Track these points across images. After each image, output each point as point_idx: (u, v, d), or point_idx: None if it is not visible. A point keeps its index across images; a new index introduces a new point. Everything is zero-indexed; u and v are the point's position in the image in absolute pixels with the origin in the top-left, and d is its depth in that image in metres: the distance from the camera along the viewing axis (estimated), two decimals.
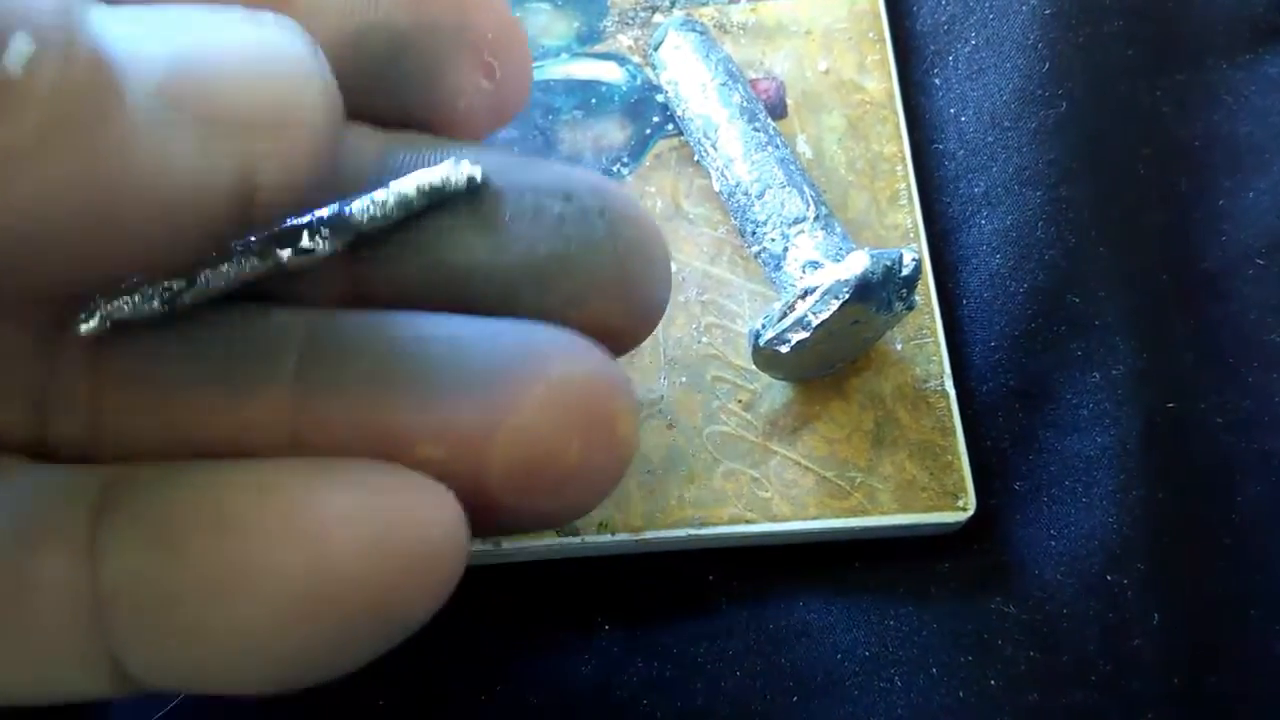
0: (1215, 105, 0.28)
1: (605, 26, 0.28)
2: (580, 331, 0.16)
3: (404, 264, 0.16)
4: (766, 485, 0.23)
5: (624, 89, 0.27)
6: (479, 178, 0.16)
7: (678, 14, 0.27)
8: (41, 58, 0.11)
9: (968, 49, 0.27)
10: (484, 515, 0.15)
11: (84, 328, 0.15)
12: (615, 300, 0.16)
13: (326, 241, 0.16)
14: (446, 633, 0.23)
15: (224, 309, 0.16)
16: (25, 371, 0.15)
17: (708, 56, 0.26)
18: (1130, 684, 0.22)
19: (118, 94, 0.12)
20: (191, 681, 0.14)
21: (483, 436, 0.14)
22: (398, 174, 0.16)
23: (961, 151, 0.27)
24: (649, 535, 0.23)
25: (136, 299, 0.15)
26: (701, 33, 0.26)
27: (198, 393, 0.15)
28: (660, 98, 0.27)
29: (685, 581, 0.24)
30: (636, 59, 0.27)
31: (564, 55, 0.27)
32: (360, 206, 0.16)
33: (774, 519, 0.23)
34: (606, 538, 0.23)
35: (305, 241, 0.16)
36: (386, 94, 0.17)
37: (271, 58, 0.14)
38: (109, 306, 0.15)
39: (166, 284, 0.16)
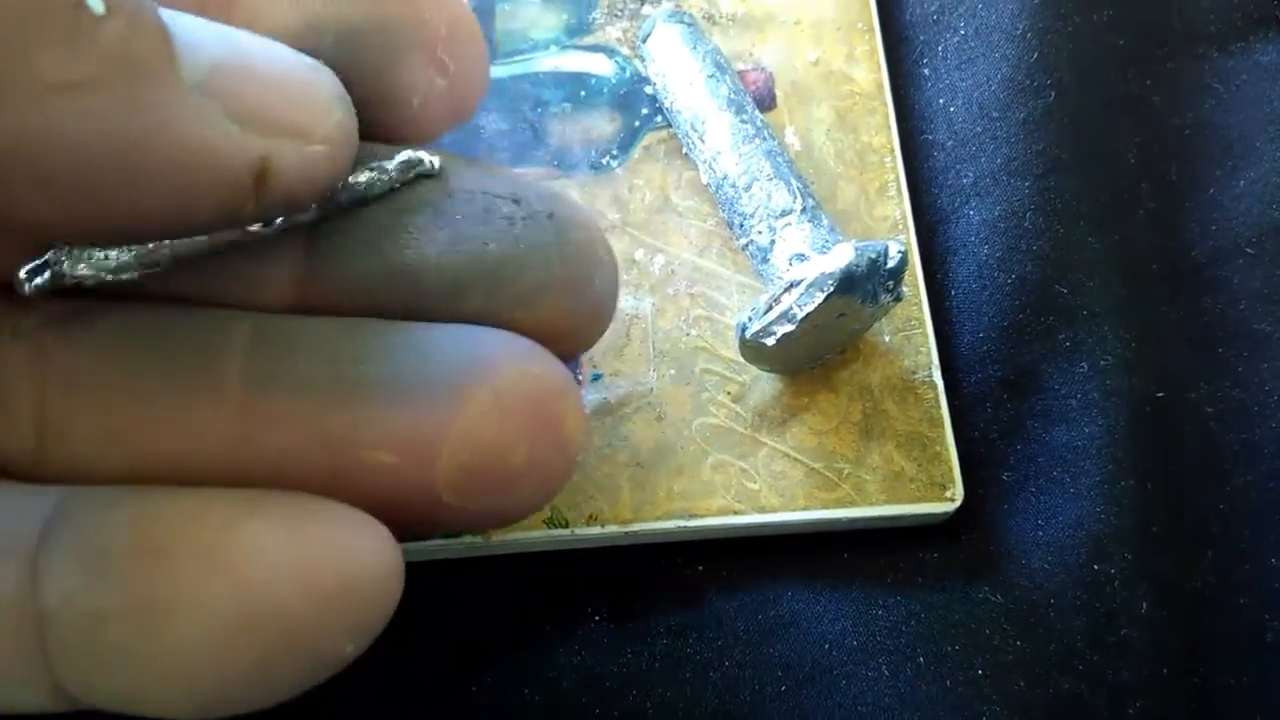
0: (1206, 94, 0.28)
1: (594, 18, 0.28)
2: (529, 334, 0.16)
3: (355, 262, 0.16)
4: (755, 477, 0.23)
5: (613, 81, 0.27)
6: (437, 165, 0.16)
7: (666, 5, 0.27)
8: (115, 10, 0.12)
9: (957, 39, 0.27)
10: (431, 516, 0.15)
11: (32, 284, 0.15)
12: (563, 302, 0.16)
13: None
14: (435, 624, 0.23)
15: (168, 311, 0.16)
16: None
17: (696, 48, 0.25)
18: (1118, 673, 0.22)
19: (171, 66, 0.13)
20: (122, 703, 0.14)
21: (431, 441, 0.14)
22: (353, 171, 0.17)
23: (950, 142, 0.27)
24: (638, 527, 0.23)
25: (102, 255, 0.15)
26: (690, 24, 0.26)
27: (143, 394, 0.15)
28: (649, 90, 0.27)
29: (674, 573, 0.24)
30: (625, 51, 0.27)
31: (553, 48, 0.27)
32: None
33: (762, 510, 0.23)
34: (595, 529, 0.23)
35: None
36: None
37: (304, 81, 0.15)
38: (70, 259, 0.15)
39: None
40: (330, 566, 0.14)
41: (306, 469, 0.15)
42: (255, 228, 0.16)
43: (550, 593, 0.24)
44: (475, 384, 0.15)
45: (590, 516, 0.23)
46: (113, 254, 0.15)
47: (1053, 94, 0.26)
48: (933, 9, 0.28)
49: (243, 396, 0.15)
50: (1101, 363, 0.24)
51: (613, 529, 0.23)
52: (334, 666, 0.14)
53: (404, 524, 0.15)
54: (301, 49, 0.16)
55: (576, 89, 0.27)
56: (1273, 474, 0.24)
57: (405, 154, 0.16)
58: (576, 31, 0.28)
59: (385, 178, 0.16)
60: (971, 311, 0.25)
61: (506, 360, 0.15)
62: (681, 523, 0.23)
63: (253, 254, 0.16)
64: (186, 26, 0.14)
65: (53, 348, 0.15)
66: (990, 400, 0.25)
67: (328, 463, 0.15)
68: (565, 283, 0.16)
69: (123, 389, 0.15)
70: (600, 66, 0.27)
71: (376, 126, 0.17)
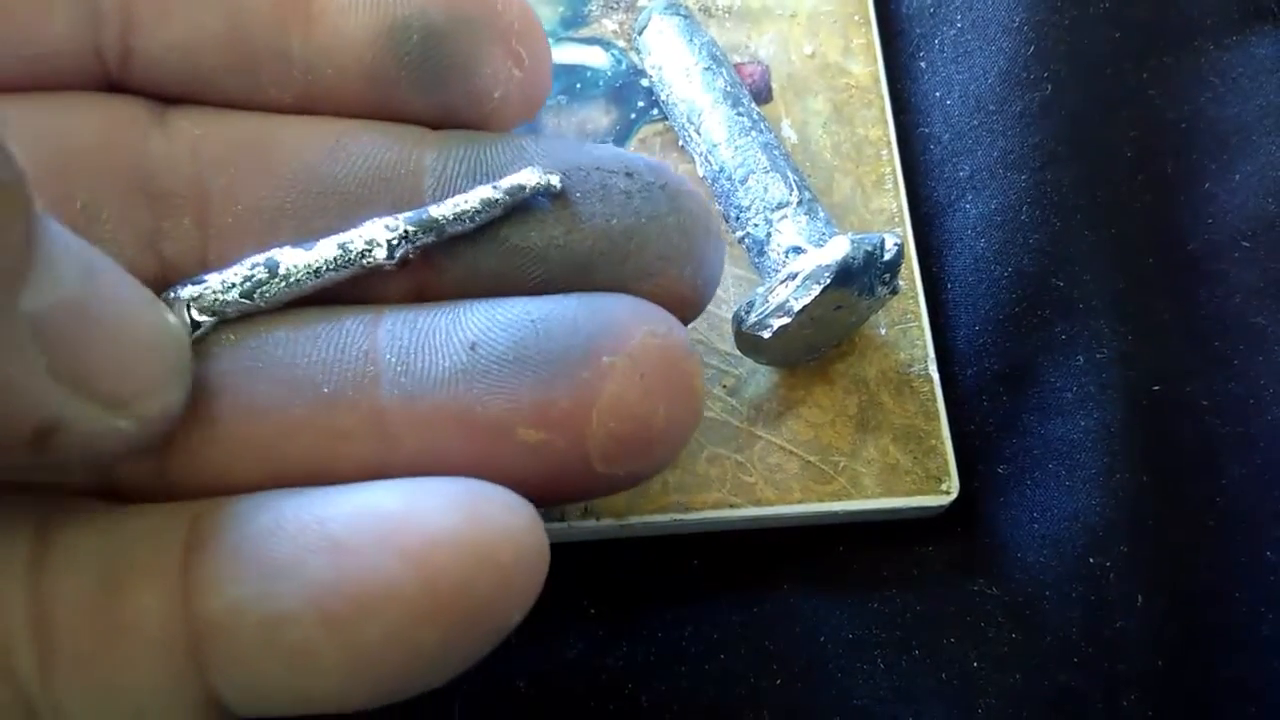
0: (1202, 87, 0.28)
1: (590, 11, 0.28)
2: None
3: (481, 252, 0.17)
4: (751, 470, 0.23)
5: (608, 74, 0.27)
6: (557, 184, 0.17)
7: None
8: None
9: (953, 32, 0.27)
10: (583, 485, 0.15)
11: (199, 330, 0.15)
12: (683, 268, 0.17)
13: (411, 244, 0.16)
14: None
15: (287, 317, 0.16)
16: None
17: (691, 41, 0.25)
18: (1113, 665, 0.22)
19: (12, 294, 0.12)
20: (295, 703, 0.14)
21: (580, 413, 0.15)
22: (459, 170, 0.17)
23: (947, 135, 0.27)
24: (633, 520, 0.23)
25: (218, 286, 0.16)
26: (686, 17, 0.26)
27: (283, 404, 0.15)
28: (645, 82, 0.27)
29: (670, 566, 0.24)
30: (621, 43, 0.27)
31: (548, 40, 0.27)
32: (444, 210, 0.16)
33: (758, 503, 0.23)
34: (591, 523, 0.23)
35: (391, 240, 0.16)
36: (426, 90, 0.17)
37: (148, 343, 0.14)
38: (192, 293, 0.16)
39: (248, 273, 0.16)
40: (505, 541, 0.14)
41: (453, 457, 0.15)
42: (370, 263, 0.16)
43: (546, 586, 0.23)
44: (614, 351, 0.15)
45: (585, 509, 0.23)
46: (230, 296, 0.16)
47: (1049, 87, 0.26)
48: (929, 2, 0.28)
49: (388, 401, 0.15)
50: (1098, 356, 0.24)
51: (608, 522, 0.23)
52: (501, 637, 0.14)
53: (555, 497, 0.15)
54: (388, 51, 0.16)
55: (572, 82, 0.27)
56: (1269, 467, 0.24)
57: (514, 179, 0.16)
58: (572, 24, 0.28)
59: (496, 208, 0.16)
60: (967, 305, 0.25)
61: (636, 325, 0.15)
62: (677, 516, 0.23)
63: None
64: (54, 247, 0.12)
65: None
66: (986, 393, 0.25)
67: (476, 449, 0.15)
68: (684, 251, 0.17)
69: (258, 399, 0.15)
70: (596, 59, 0.27)
71: (461, 123, 0.17)
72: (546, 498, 0.15)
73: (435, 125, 0.18)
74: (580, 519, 0.23)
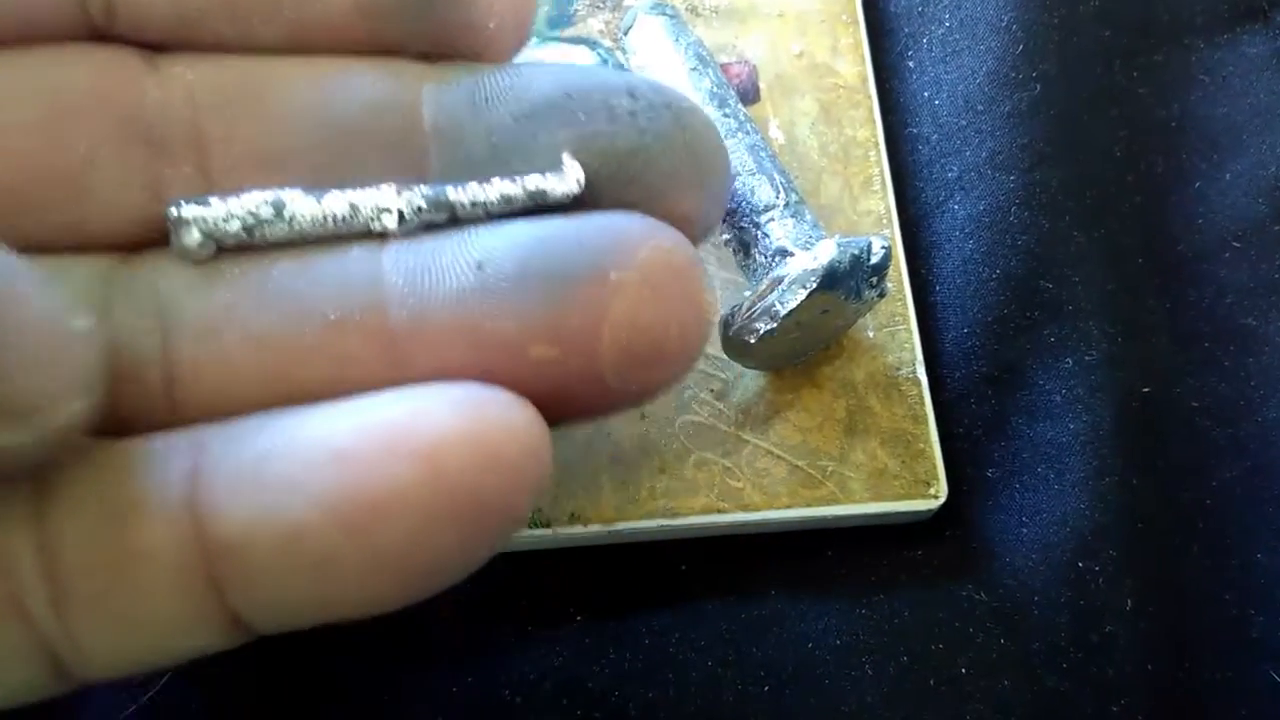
0: (1193, 86, 0.27)
1: (576, 11, 0.27)
2: None
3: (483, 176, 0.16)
4: (738, 475, 0.23)
5: None
6: (575, 190, 0.16)
7: None
8: None
9: (941, 31, 0.27)
10: (597, 401, 0.16)
11: (196, 250, 0.16)
12: (690, 189, 0.17)
13: (423, 215, 0.16)
14: (417, 624, 0.23)
15: (291, 251, 0.16)
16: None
17: (678, 41, 0.25)
18: (1103, 670, 0.22)
19: None
20: (321, 613, 0.14)
21: (590, 329, 0.15)
22: (456, 99, 0.17)
23: (935, 136, 0.26)
24: (621, 526, 0.23)
25: (221, 214, 0.16)
26: (672, 16, 0.26)
27: (289, 331, 0.15)
28: None
29: (657, 572, 0.23)
30: (607, 43, 0.27)
31: (534, 40, 0.27)
32: (463, 196, 0.16)
33: (746, 508, 0.23)
34: (578, 529, 0.23)
35: (404, 211, 0.16)
36: (417, 19, 0.17)
37: (45, 355, 0.13)
38: (196, 213, 0.16)
39: (253, 209, 0.16)
40: (509, 438, 0.14)
41: (466, 377, 0.15)
42: (376, 227, 0.16)
43: (532, 593, 0.23)
44: (622, 267, 0.15)
45: (572, 515, 0.23)
46: (231, 227, 0.16)
47: (1038, 87, 0.26)
48: (917, 1, 0.28)
49: (396, 322, 0.15)
50: (1086, 358, 0.24)
51: (595, 528, 0.23)
52: (515, 531, 0.15)
53: (570, 413, 0.16)
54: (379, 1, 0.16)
55: None
56: (1258, 469, 0.24)
57: (539, 182, 0.16)
58: (558, 24, 0.27)
59: (515, 205, 0.16)
60: (956, 307, 0.25)
61: (643, 239, 0.15)
62: (664, 521, 0.23)
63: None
64: None
65: (174, 297, 0.16)
66: (974, 396, 0.25)
67: (488, 368, 0.15)
68: (691, 171, 0.17)
69: (267, 328, 0.15)
70: (582, 59, 0.27)
71: (459, 55, 0.17)
72: (563, 414, 0.15)
73: (434, 59, 0.18)
74: (567, 525, 0.23)
